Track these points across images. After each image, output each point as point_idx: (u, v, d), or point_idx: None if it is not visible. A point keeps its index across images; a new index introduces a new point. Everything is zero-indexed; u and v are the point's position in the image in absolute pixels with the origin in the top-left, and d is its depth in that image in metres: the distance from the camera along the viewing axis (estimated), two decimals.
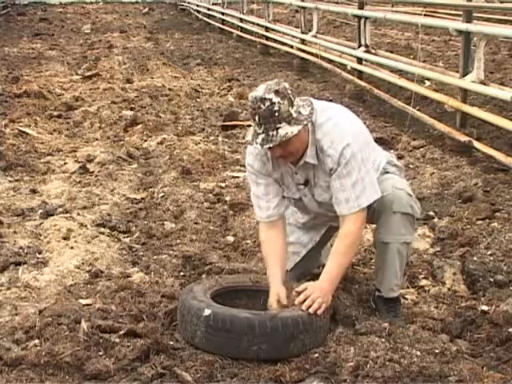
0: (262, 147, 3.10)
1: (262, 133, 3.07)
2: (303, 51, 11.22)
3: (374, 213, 3.33)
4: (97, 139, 7.10)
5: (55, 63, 12.22)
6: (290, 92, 3.10)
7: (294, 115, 3.08)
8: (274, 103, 3.03)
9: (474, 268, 3.88)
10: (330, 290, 3.18)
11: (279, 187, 3.38)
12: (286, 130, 3.05)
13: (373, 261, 4.06)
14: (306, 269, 3.74)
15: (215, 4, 19.56)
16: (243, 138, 7.14)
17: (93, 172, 5.94)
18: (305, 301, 3.10)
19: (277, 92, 3.05)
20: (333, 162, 3.18)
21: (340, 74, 9.55)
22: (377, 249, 3.44)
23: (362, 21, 8.85)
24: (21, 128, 7.28)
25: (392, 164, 3.50)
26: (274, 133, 3.05)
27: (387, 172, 3.43)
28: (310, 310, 3.06)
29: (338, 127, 3.19)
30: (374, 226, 3.51)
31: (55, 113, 8.17)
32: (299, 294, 3.14)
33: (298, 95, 3.21)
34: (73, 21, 21.44)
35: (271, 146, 3.08)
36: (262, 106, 3.04)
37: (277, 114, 3.04)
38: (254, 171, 3.36)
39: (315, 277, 3.79)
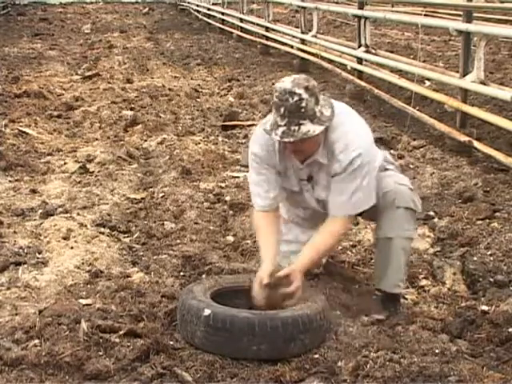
0: (280, 139, 3.10)
1: (284, 125, 3.07)
2: (303, 51, 11.21)
3: (376, 209, 3.34)
4: (97, 139, 7.10)
5: (55, 63, 12.23)
6: (317, 90, 3.12)
7: (318, 114, 3.09)
8: (303, 99, 3.04)
9: (474, 268, 3.89)
10: (302, 271, 3.22)
11: (279, 178, 3.39)
12: (308, 128, 3.07)
13: (373, 261, 4.06)
14: None
15: (215, 4, 19.56)
16: (243, 138, 7.15)
17: (93, 172, 5.93)
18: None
19: (306, 88, 3.06)
20: (340, 168, 3.21)
21: (340, 74, 9.55)
22: (379, 245, 3.44)
23: (362, 21, 8.84)
24: (21, 128, 7.27)
25: (389, 162, 3.55)
26: (296, 128, 3.06)
27: (387, 169, 3.45)
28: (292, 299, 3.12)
29: (353, 134, 3.22)
30: (374, 225, 3.52)
31: (55, 113, 8.17)
32: (283, 278, 3.16)
33: None
34: (73, 21, 21.44)
35: (291, 140, 3.08)
36: (290, 99, 3.03)
37: (303, 110, 3.05)
38: (259, 160, 3.35)
39: (315, 277, 3.81)
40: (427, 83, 8.83)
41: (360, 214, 3.54)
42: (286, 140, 3.09)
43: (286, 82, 3.08)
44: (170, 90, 9.69)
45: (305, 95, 3.04)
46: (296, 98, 3.03)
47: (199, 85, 10.34)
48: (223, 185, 5.59)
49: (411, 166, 5.98)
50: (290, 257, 3.62)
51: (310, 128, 3.07)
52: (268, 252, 3.31)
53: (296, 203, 3.60)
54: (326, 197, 3.35)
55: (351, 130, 3.23)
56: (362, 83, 8.78)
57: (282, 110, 3.06)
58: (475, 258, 4.06)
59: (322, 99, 3.16)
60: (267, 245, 3.34)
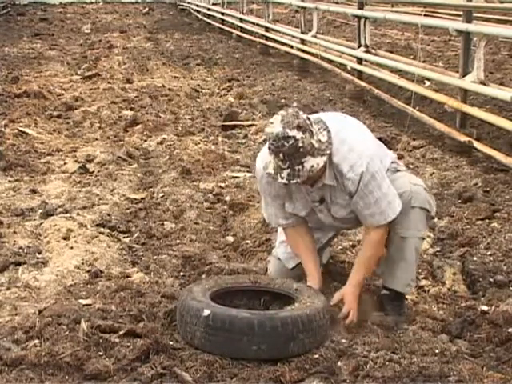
0: (289, 182, 3.08)
1: (287, 168, 3.04)
2: (303, 51, 11.22)
3: None
4: (97, 139, 7.10)
5: (55, 63, 12.23)
6: (308, 122, 3.06)
7: (317, 146, 3.06)
8: (298, 140, 2.99)
9: (474, 268, 3.89)
10: (358, 294, 3.37)
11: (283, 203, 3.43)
12: (312, 163, 3.05)
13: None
14: None
15: (215, 4, 19.56)
16: (243, 138, 7.16)
17: (93, 172, 5.94)
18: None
19: (298, 127, 3.01)
20: (353, 185, 3.21)
21: (340, 74, 9.55)
22: (393, 244, 3.40)
23: (362, 21, 8.85)
24: (21, 128, 7.27)
25: (398, 163, 3.55)
26: (300, 167, 3.04)
27: (398, 170, 3.45)
28: (348, 320, 3.30)
29: (355, 151, 3.19)
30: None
31: (55, 113, 8.17)
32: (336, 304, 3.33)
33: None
34: (73, 21, 21.43)
35: (299, 181, 3.07)
36: (285, 143, 2.99)
37: (301, 149, 3.01)
38: (266, 191, 3.41)
39: None
40: (427, 83, 8.83)
41: None
42: (294, 181, 3.08)
43: (276, 126, 3.01)
44: (169, 90, 9.69)
45: (299, 135, 3.00)
46: (291, 142, 2.99)
47: (199, 85, 10.34)
48: (223, 185, 5.59)
49: (411, 166, 5.97)
50: (295, 257, 3.61)
51: (313, 162, 3.05)
52: (312, 267, 3.46)
53: (310, 223, 3.56)
54: (347, 214, 3.36)
55: (352, 149, 3.19)
56: (362, 83, 8.78)
57: (281, 155, 3.02)
58: (475, 258, 4.05)
59: (315, 125, 3.11)
60: (308, 259, 3.46)
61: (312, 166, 3.05)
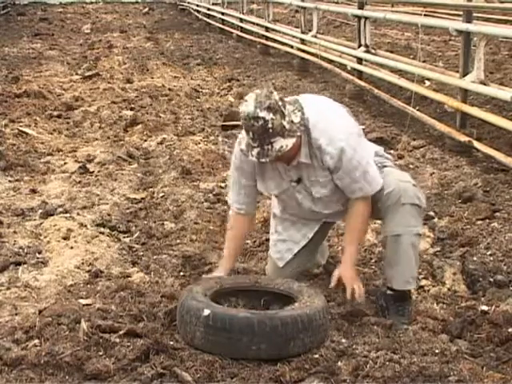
0: (258, 160, 3.17)
1: (257, 147, 3.12)
2: (303, 51, 11.22)
3: (382, 208, 3.36)
4: (97, 139, 7.10)
5: (55, 63, 12.23)
6: (280, 104, 3.12)
7: (287, 127, 3.12)
8: (267, 121, 3.06)
9: (474, 268, 3.89)
10: (353, 265, 3.44)
11: (255, 190, 3.51)
12: (281, 144, 3.11)
13: (373, 261, 4.06)
14: (304, 269, 3.74)
15: (215, 4, 19.56)
16: None
17: (93, 172, 5.94)
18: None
19: (268, 108, 3.07)
20: (332, 160, 3.23)
21: (340, 74, 9.55)
22: (388, 243, 3.41)
23: (362, 21, 8.85)
24: (21, 128, 7.28)
25: (384, 156, 3.56)
26: (269, 147, 3.11)
27: (385, 166, 3.45)
28: (357, 295, 3.37)
29: (333, 125, 3.27)
30: (375, 225, 3.52)
31: (55, 113, 8.17)
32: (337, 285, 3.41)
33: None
34: (73, 21, 21.44)
35: (267, 160, 3.15)
36: (255, 123, 3.07)
37: (270, 130, 3.08)
38: (239, 167, 3.45)
39: (315, 277, 3.81)
40: (427, 83, 8.83)
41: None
42: (263, 160, 3.16)
43: (249, 105, 3.09)
44: (169, 90, 9.69)
45: (268, 116, 3.06)
46: (261, 122, 3.06)
47: (199, 85, 10.34)
48: (223, 185, 5.59)
49: (411, 166, 5.98)
50: (285, 255, 3.66)
51: (283, 143, 3.11)
52: (228, 262, 3.58)
53: (289, 208, 3.60)
54: (329, 192, 3.38)
55: (331, 122, 3.27)
56: (362, 83, 8.78)
57: (251, 133, 3.11)
58: (475, 258, 4.06)
59: (288, 106, 3.17)
60: (229, 254, 3.61)
61: (281, 147, 3.11)
